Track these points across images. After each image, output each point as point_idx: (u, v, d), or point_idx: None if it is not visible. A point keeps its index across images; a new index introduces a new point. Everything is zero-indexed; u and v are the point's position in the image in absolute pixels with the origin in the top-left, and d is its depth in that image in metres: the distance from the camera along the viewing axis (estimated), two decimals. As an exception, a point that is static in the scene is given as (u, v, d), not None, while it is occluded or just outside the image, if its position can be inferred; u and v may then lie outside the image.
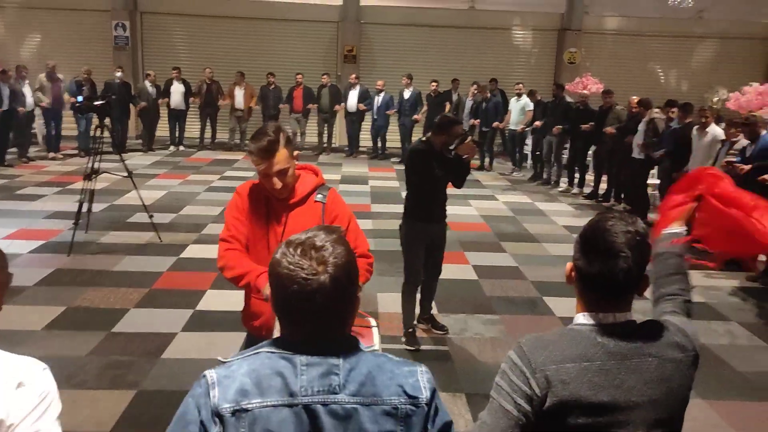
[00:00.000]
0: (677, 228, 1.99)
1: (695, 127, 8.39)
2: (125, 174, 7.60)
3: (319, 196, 2.78)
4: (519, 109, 12.96)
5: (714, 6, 17.10)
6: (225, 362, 1.43)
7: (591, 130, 10.78)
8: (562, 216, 9.85)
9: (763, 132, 7.13)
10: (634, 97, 10.34)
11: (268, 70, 14.64)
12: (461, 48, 16.42)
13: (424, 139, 4.94)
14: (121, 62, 14.95)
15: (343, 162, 13.93)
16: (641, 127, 9.46)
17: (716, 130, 8.05)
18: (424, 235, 4.92)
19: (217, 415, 1.34)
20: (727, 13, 17.42)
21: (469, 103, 13.70)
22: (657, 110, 9.83)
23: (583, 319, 1.65)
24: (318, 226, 1.56)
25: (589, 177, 11.61)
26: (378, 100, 13.96)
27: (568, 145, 11.72)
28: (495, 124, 13.16)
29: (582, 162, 11.53)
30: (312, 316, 1.38)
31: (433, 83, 13.79)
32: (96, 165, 7.08)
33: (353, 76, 14.42)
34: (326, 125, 14.64)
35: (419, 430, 1.44)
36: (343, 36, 16.17)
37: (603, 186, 11.12)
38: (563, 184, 11.94)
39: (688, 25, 16.98)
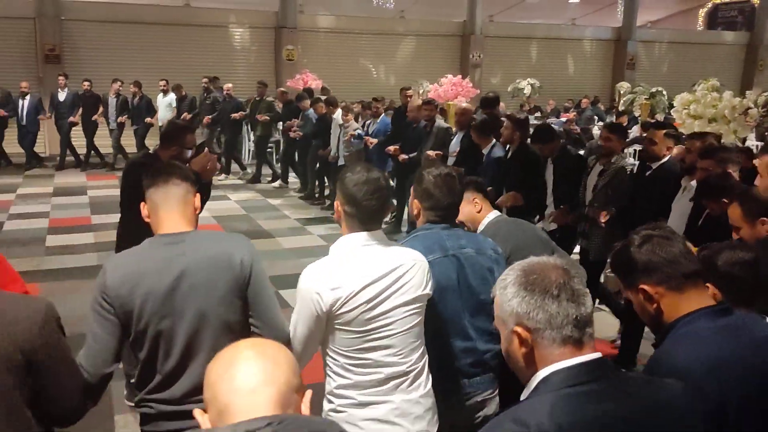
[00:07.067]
0: None
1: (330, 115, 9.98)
2: None
3: None
4: (165, 105, 12.96)
5: (413, 6, 18.93)
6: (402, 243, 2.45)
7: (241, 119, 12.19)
8: (291, 209, 10.15)
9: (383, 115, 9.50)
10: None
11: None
12: (178, 46, 15.90)
13: (151, 151, 4.16)
14: None
15: (55, 174, 12.62)
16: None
17: (338, 116, 9.69)
18: None
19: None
20: (424, 13, 19.40)
21: (113, 101, 12.81)
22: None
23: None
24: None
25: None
26: (23, 104, 12.43)
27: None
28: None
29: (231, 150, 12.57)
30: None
31: (86, 83, 12.74)
32: None
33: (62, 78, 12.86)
34: None
35: (501, 270, 2.21)
36: (41, 34, 14.62)
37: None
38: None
39: (391, 24, 18.55)
